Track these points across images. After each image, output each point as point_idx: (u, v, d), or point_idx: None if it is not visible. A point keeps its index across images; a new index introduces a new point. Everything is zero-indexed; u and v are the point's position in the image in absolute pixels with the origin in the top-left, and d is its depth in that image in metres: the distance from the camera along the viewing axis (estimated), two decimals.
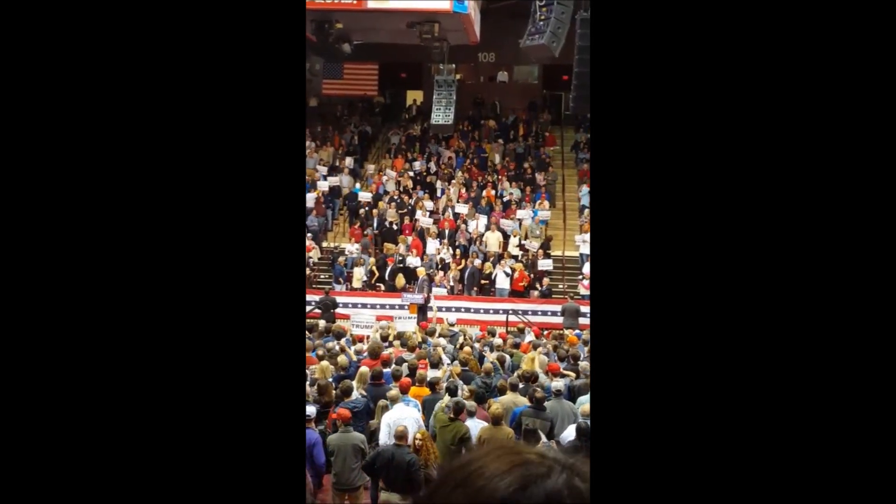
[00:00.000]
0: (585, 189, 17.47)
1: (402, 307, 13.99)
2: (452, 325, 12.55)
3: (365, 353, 9.17)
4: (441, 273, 15.70)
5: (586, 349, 10.09)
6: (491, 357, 9.19)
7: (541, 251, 16.24)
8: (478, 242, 16.43)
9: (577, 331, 12.32)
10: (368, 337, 11.19)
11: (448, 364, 8.80)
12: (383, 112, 22.47)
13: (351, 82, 22.08)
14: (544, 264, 15.87)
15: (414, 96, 23.22)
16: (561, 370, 8.58)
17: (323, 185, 18.13)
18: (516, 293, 15.40)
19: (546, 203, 17.70)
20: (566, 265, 16.77)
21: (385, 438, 6.28)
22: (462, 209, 17.18)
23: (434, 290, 15.11)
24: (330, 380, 7.71)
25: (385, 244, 16.63)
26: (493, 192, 18.05)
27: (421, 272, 15.37)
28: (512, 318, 14.22)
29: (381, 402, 6.99)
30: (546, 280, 15.67)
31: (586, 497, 0.82)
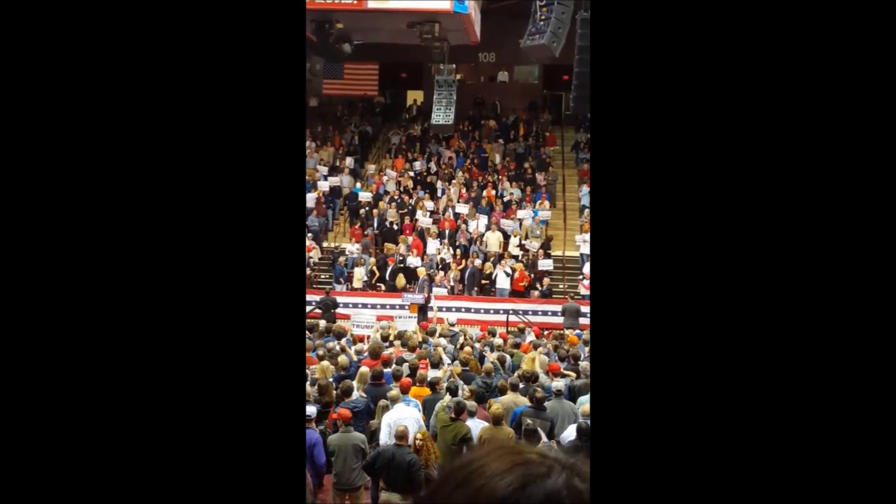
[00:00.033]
0: (586, 189, 17.47)
1: (402, 307, 13.99)
2: (453, 325, 12.56)
3: (365, 354, 9.17)
4: (441, 273, 15.70)
5: (587, 349, 10.09)
6: (491, 357, 9.19)
7: (541, 251, 16.25)
8: (478, 242, 16.43)
9: (578, 331, 12.32)
10: (369, 337, 11.19)
11: (448, 364, 8.80)
12: (384, 112, 22.48)
13: (351, 82, 22.09)
14: (545, 264, 15.88)
15: (414, 96, 23.23)
16: (561, 370, 8.58)
17: (323, 186, 18.14)
18: (517, 293, 15.40)
19: (546, 203, 17.70)
20: (566, 265, 16.77)
21: (386, 438, 6.28)
22: (462, 209, 17.18)
23: (434, 290, 15.11)
24: (330, 380, 7.72)
25: (385, 244, 16.63)
26: (493, 192, 18.05)
27: (421, 272, 15.37)
28: (512, 318, 14.23)
29: (382, 402, 6.99)
30: (546, 280, 15.67)
31: (586, 497, 0.82)
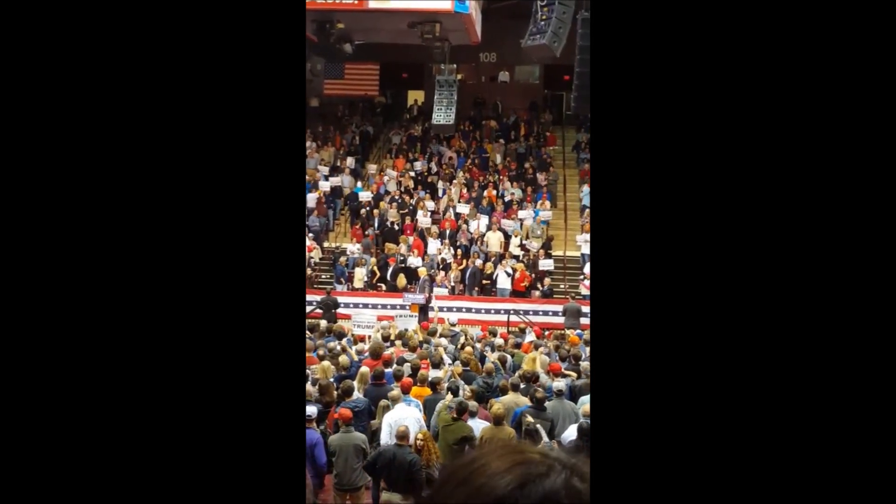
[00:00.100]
0: (587, 189, 17.47)
1: (403, 307, 14.00)
2: (454, 325, 12.56)
3: (366, 354, 9.17)
4: (442, 273, 15.70)
5: (588, 349, 10.09)
6: (492, 357, 9.19)
7: (542, 251, 16.25)
8: (479, 242, 16.43)
9: (579, 331, 12.31)
10: (370, 337, 11.20)
11: (449, 364, 8.80)
12: (384, 112, 22.48)
13: (352, 82, 22.09)
14: (545, 264, 15.88)
15: (415, 96, 23.23)
16: (562, 370, 8.58)
17: (324, 186, 18.14)
18: (518, 293, 15.40)
19: (547, 203, 17.70)
20: (567, 265, 16.77)
21: (386, 438, 6.28)
22: (463, 209, 17.18)
23: (435, 290, 15.12)
24: (331, 380, 7.72)
25: (386, 244, 16.64)
26: (494, 192, 18.05)
27: (422, 272, 15.37)
28: (513, 318, 14.23)
29: (383, 403, 7.00)
30: (547, 280, 15.67)
31: (585, 497, 0.83)
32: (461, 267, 15.89)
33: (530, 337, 11.82)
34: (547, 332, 13.04)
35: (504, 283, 15.43)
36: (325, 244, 17.62)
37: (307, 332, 10.15)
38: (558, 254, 16.87)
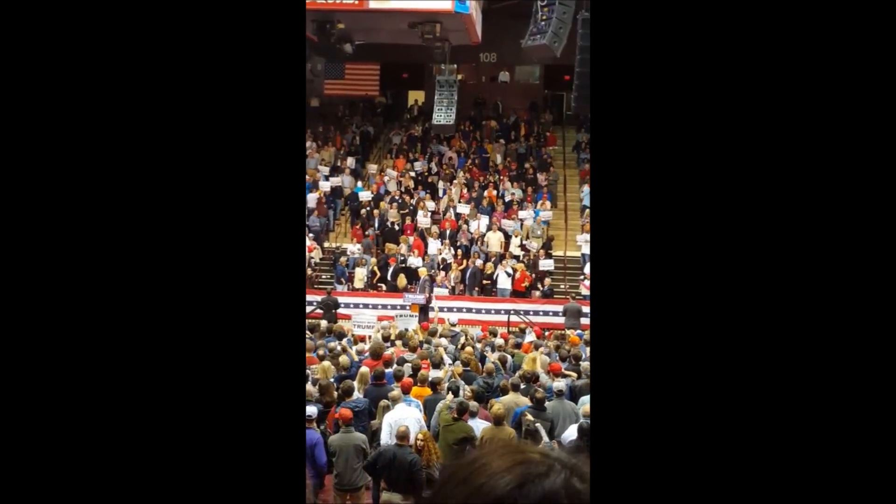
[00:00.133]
0: (587, 189, 17.46)
1: (403, 307, 14.00)
2: (454, 325, 12.56)
3: (367, 354, 9.17)
4: (442, 273, 15.71)
5: (588, 349, 10.08)
6: (492, 357, 9.19)
7: (542, 251, 16.25)
8: (479, 243, 16.43)
9: (579, 331, 12.31)
10: (370, 337, 11.20)
11: (450, 364, 8.80)
12: (385, 112, 22.48)
13: (352, 82, 22.08)
14: (546, 264, 15.88)
15: (415, 96, 23.23)
16: (562, 370, 8.58)
17: (325, 186, 18.15)
18: (518, 293, 15.39)
19: (548, 203, 17.70)
20: (568, 265, 16.77)
21: (387, 438, 6.28)
22: (464, 209, 17.18)
23: (435, 290, 15.11)
24: (331, 380, 7.72)
25: (387, 244, 16.64)
26: (494, 192, 18.05)
27: (422, 272, 15.37)
28: (513, 318, 14.23)
29: (383, 403, 7.00)
30: (548, 280, 15.67)
31: (585, 497, 0.83)
32: (461, 267, 15.90)
33: (530, 337, 11.82)
34: (547, 333, 13.04)
35: (504, 283, 15.43)
36: (326, 244, 17.63)
37: (308, 332, 10.15)
38: (558, 254, 16.86)
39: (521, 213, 17.18)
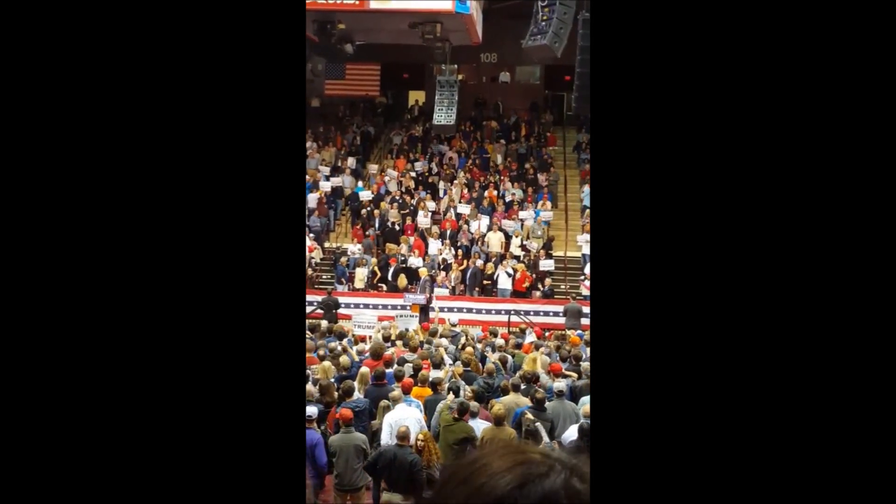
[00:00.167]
0: (587, 189, 17.46)
1: (404, 308, 14.00)
2: (454, 325, 12.56)
3: (367, 354, 9.17)
4: (443, 273, 15.71)
5: (588, 350, 10.08)
6: (493, 357, 9.18)
7: (543, 252, 16.25)
8: (480, 243, 16.43)
9: (580, 331, 12.31)
10: (370, 337, 11.20)
11: (450, 364, 8.80)
12: (385, 112, 22.49)
13: (353, 83, 22.10)
14: (546, 265, 15.88)
15: (416, 97, 23.24)
16: (563, 371, 8.58)
17: (325, 186, 18.16)
18: (518, 294, 15.39)
19: (548, 203, 17.70)
20: (568, 266, 16.77)
21: (387, 439, 6.28)
22: (464, 209, 17.19)
23: (436, 290, 15.12)
24: (332, 380, 7.72)
25: (387, 245, 16.64)
26: (495, 192, 18.06)
27: (423, 273, 15.38)
28: (514, 318, 14.22)
29: (383, 403, 7.00)
30: (548, 281, 15.67)
31: (585, 498, 0.83)
32: (462, 267, 15.90)
33: (531, 337, 11.82)
34: (548, 333, 13.04)
35: (505, 283, 15.43)
36: (326, 244, 17.63)
37: (308, 332, 10.16)
38: (559, 254, 16.86)
39: (522, 214, 17.18)
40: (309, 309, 13.60)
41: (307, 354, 8.48)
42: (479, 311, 15.03)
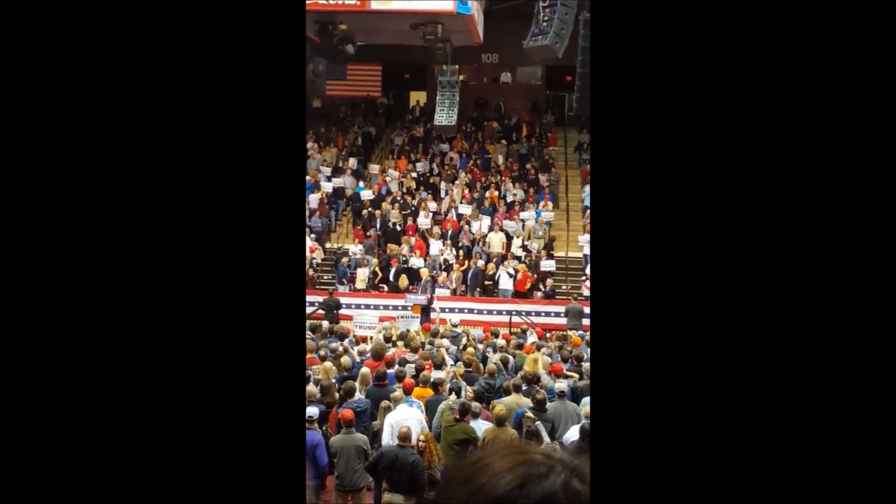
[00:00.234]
0: (588, 190, 17.46)
1: (405, 308, 14.00)
2: (455, 326, 12.56)
3: (368, 354, 9.18)
4: (444, 274, 15.71)
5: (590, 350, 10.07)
6: (494, 358, 9.18)
7: (544, 252, 16.25)
8: (481, 243, 16.44)
9: (581, 332, 12.30)
10: (371, 338, 11.20)
11: (451, 365, 8.80)
12: (386, 113, 22.50)
13: (354, 83, 22.09)
14: (547, 265, 15.87)
15: (417, 97, 23.25)
16: (564, 371, 8.57)
17: (326, 186, 18.17)
18: (519, 294, 15.39)
19: (549, 204, 17.70)
20: (569, 266, 16.76)
21: (388, 439, 6.28)
22: (465, 210, 17.19)
23: (437, 291, 15.12)
24: (333, 380, 7.73)
25: (388, 245, 16.65)
26: (496, 192, 18.06)
27: (424, 273, 15.38)
28: (515, 319, 14.22)
29: (384, 404, 7.00)
30: (549, 281, 15.66)
31: (585, 498, 0.83)
32: (463, 268, 15.90)
33: (532, 338, 11.81)
34: (549, 334, 13.03)
35: (506, 283, 15.43)
36: (328, 245, 17.64)
37: (309, 332, 10.16)
38: (560, 255, 16.86)
39: (523, 214, 17.19)
40: (310, 309, 13.61)
41: (309, 355, 8.49)
42: (480, 312, 15.03)
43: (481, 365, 8.85)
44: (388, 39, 17.66)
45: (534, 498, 0.81)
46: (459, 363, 8.78)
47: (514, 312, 14.52)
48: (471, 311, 14.96)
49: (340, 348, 9.40)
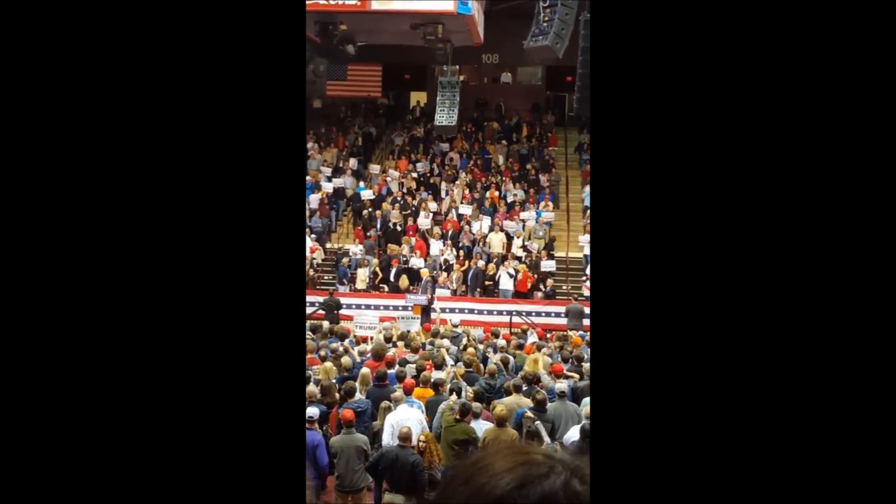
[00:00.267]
0: (589, 190, 17.46)
1: (405, 308, 14.00)
2: (456, 326, 12.56)
3: (369, 355, 9.18)
4: (444, 274, 15.71)
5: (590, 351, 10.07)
6: (494, 358, 9.18)
7: (544, 252, 16.25)
8: (481, 244, 16.44)
9: (582, 332, 12.30)
10: (372, 338, 11.20)
11: (452, 365, 8.80)
12: (387, 113, 22.50)
13: (355, 84, 22.09)
14: (548, 265, 15.87)
15: (417, 98, 23.25)
16: (564, 371, 8.57)
17: (327, 187, 18.18)
18: (520, 294, 15.39)
19: (550, 204, 17.71)
20: (570, 266, 16.76)
21: (388, 439, 6.28)
22: (466, 210, 17.20)
23: (437, 291, 15.12)
24: (333, 381, 7.73)
25: (389, 245, 16.65)
26: (496, 193, 18.06)
27: (424, 273, 15.38)
28: (515, 319, 14.22)
29: (384, 404, 7.00)
30: (550, 281, 15.66)
31: (584, 499, 0.83)
32: (463, 268, 15.90)
33: (533, 338, 11.81)
34: (549, 334, 13.03)
35: (506, 284, 15.43)
36: (328, 245, 17.64)
37: (310, 333, 10.17)
38: (561, 255, 16.86)
39: (523, 214, 17.19)
40: (311, 310, 13.61)
41: (309, 355, 8.49)
42: (480, 312, 15.04)
43: (482, 365, 8.85)
44: (388, 40, 17.66)
45: (533, 498, 0.81)
46: (460, 363, 8.78)
47: (514, 313, 14.52)
48: (471, 311, 14.97)
49: (341, 349, 9.40)
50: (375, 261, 16.15)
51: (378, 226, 17.40)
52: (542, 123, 21.34)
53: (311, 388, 7.13)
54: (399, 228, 17.08)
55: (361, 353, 9.50)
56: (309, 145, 19.23)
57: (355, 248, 16.72)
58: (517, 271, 15.52)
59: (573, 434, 6.34)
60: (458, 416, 6.48)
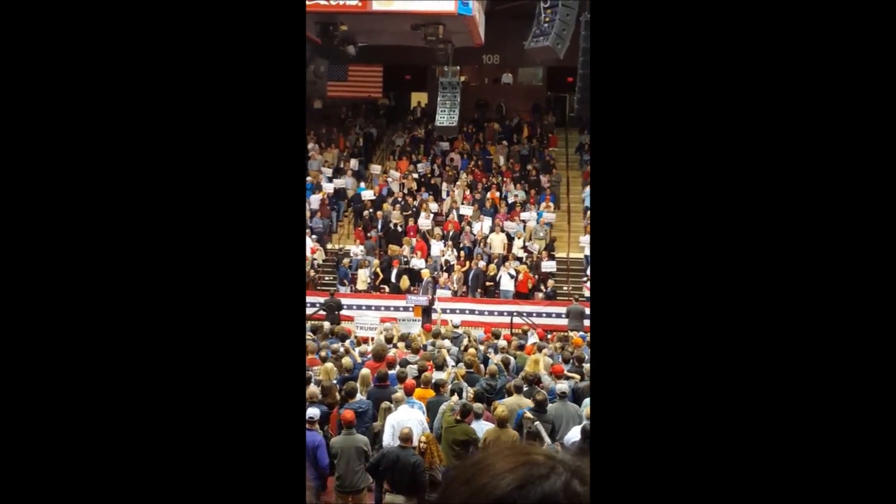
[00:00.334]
0: (589, 191, 17.47)
1: (406, 309, 14.01)
2: (457, 326, 12.56)
3: (369, 355, 9.18)
4: (445, 275, 15.72)
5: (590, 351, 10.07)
6: (495, 359, 9.18)
7: (545, 253, 16.25)
8: (482, 244, 16.44)
9: (582, 333, 12.30)
10: (373, 339, 11.20)
11: (452, 366, 8.81)
12: (388, 114, 22.51)
13: (355, 84, 22.11)
14: (548, 266, 15.87)
15: (418, 98, 23.25)
16: (565, 372, 8.57)
17: (328, 187, 18.19)
18: (521, 295, 15.39)
19: (550, 205, 17.71)
20: (570, 267, 16.76)
21: (389, 440, 6.29)
22: (466, 211, 17.20)
23: (438, 291, 15.12)
24: (334, 381, 7.73)
25: (390, 246, 16.66)
26: (497, 193, 18.06)
27: (425, 274, 15.38)
28: (516, 320, 14.22)
29: (384, 405, 7.00)
30: (551, 282, 15.66)
31: (584, 500, 0.83)
32: (464, 269, 15.90)
33: (533, 339, 11.81)
34: (550, 335, 13.03)
35: (507, 284, 15.43)
36: (329, 246, 17.65)
37: (311, 333, 10.17)
38: (561, 256, 16.86)
39: (524, 215, 17.19)
40: (311, 310, 13.62)
41: (310, 356, 8.50)
42: (481, 313, 15.04)
43: (482, 366, 8.85)
44: (389, 40, 17.67)
45: (534, 499, 0.81)
46: (461, 364, 8.78)
47: (515, 313, 14.52)
48: (472, 312, 14.97)
49: (342, 349, 9.41)
50: (376, 261, 16.16)
51: (379, 226, 17.40)
52: (543, 124, 21.34)
53: (312, 389, 7.13)
54: (400, 229, 17.08)
55: (362, 354, 9.50)
56: (310, 146, 19.24)
57: (356, 249, 16.72)
58: (518, 272, 15.52)
59: (574, 435, 6.34)
60: (458, 417, 6.48)
